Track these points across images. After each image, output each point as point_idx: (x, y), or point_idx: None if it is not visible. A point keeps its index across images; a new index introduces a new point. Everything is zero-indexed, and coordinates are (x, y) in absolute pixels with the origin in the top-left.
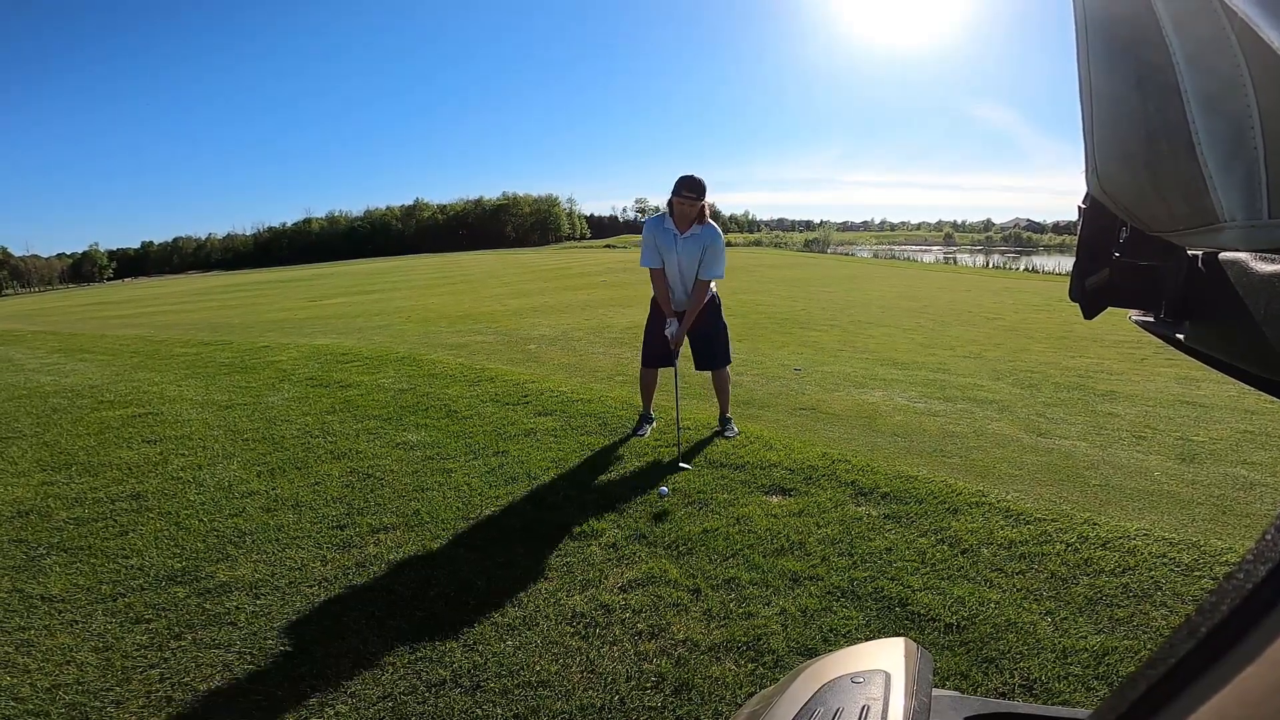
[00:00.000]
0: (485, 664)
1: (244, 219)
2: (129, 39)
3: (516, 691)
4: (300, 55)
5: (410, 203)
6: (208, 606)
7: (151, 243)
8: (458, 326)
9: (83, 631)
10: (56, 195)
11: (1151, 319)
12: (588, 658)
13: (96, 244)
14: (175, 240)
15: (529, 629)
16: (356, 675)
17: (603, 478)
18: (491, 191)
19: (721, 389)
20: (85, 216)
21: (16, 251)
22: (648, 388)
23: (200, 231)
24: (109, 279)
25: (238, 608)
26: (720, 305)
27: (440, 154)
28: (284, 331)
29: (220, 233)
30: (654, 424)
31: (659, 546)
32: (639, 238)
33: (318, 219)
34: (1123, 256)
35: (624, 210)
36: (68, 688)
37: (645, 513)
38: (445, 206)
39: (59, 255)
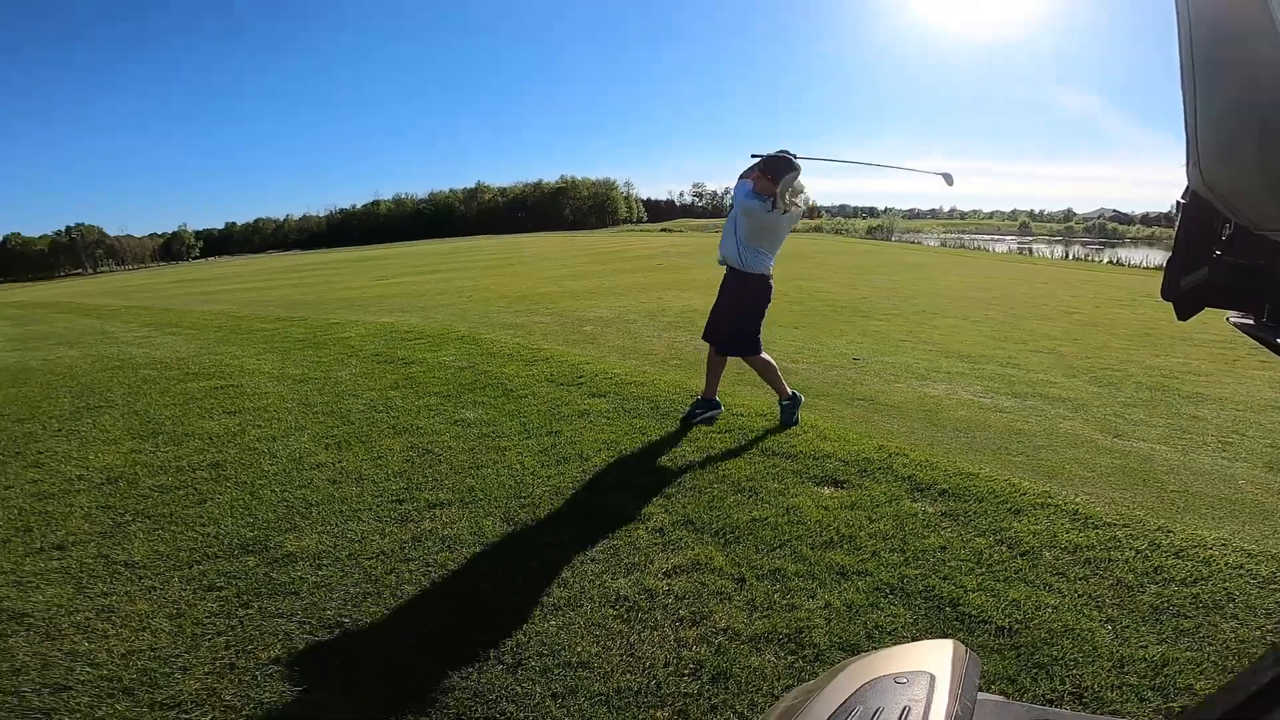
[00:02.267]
0: (528, 642)
1: (318, 202)
2: (221, 32)
3: (556, 671)
4: (358, 45)
5: (472, 186)
6: (274, 576)
7: (235, 223)
8: (516, 307)
9: (159, 598)
10: (149, 178)
11: (1252, 321)
12: (628, 641)
13: (185, 225)
14: (256, 221)
15: (572, 610)
16: (404, 648)
17: (653, 462)
18: (550, 175)
19: (762, 374)
20: (175, 198)
21: (112, 231)
22: (712, 367)
23: (279, 213)
24: (196, 257)
25: (301, 578)
26: (745, 284)
27: (500, 137)
28: (353, 309)
29: (297, 214)
30: (720, 409)
31: (706, 533)
32: (696, 222)
33: (385, 201)
34: (1225, 255)
35: (681, 195)
36: (141, 654)
37: (694, 499)
38: (505, 189)
39: (151, 235)
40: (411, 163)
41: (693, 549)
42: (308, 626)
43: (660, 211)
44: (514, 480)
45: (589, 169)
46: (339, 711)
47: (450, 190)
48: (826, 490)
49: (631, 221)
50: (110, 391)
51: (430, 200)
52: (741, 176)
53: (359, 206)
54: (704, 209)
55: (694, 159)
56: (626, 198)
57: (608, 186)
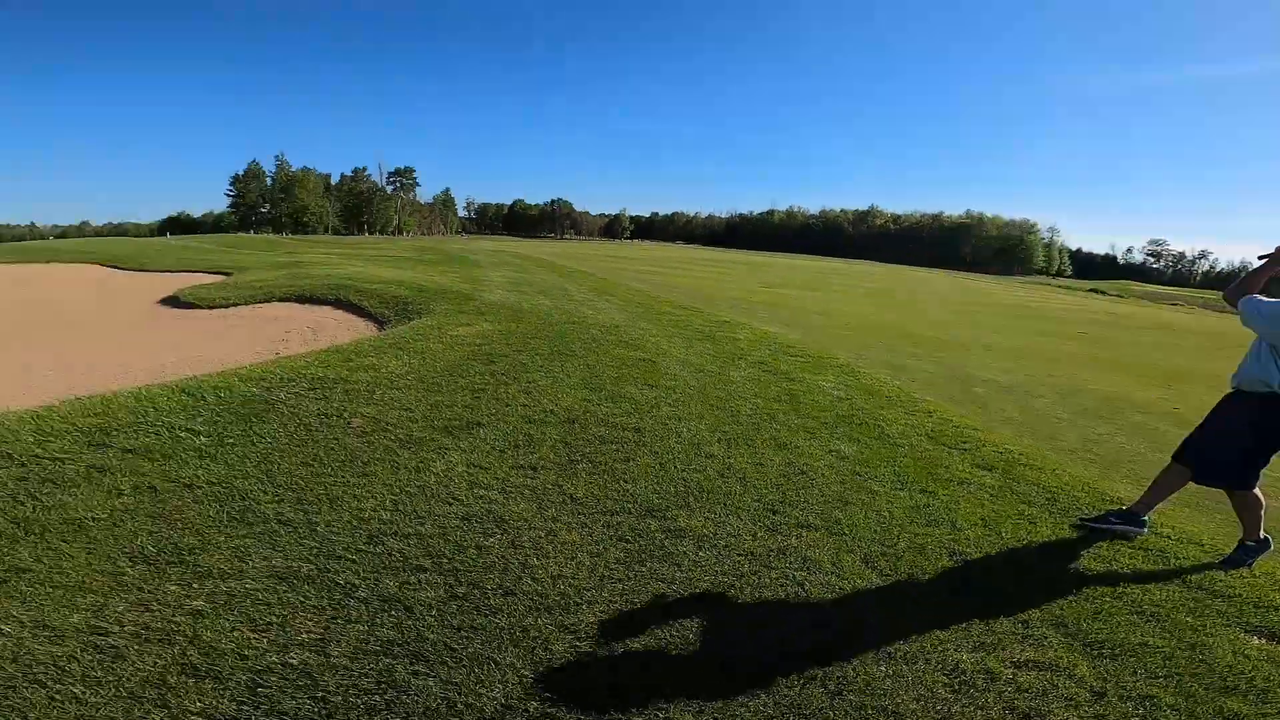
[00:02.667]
0: (853, 679)
1: (722, 204)
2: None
3: (870, 712)
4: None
5: (864, 208)
6: (666, 544)
7: (657, 213)
8: (898, 347)
9: (587, 535)
10: (603, 167)
11: None
12: (949, 710)
13: (625, 209)
14: (673, 214)
15: (905, 663)
16: (740, 645)
17: (1037, 554)
18: (953, 207)
19: (1239, 507)
20: (616, 188)
21: (577, 207)
22: (1164, 486)
23: (690, 209)
24: (626, 238)
25: (684, 553)
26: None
27: (901, 161)
28: (740, 310)
29: (704, 213)
30: (1145, 530)
31: (1076, 640)
32: (1144, 287)
33: (779, 212)
34: None
35: (1129, 251)
36: (565, 579)
37: (1075, 604)
38: (899, 217)
39: (601, 214)
40: (807, 176)
41: (1055, 650)
42: (680, 597)
43: (1093, 266)
44: (880, 526)
45: (1002, 205)
46: (669, 683)
47: (841, 210)
48: (1256, 640)
49: (1049, 273)
50: (571, 343)
51: (820, 217)
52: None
53: (755, 213)
54: (1160, 273)
55: (1152, 204)
56: (1047, 245)
57: (1023, 229)
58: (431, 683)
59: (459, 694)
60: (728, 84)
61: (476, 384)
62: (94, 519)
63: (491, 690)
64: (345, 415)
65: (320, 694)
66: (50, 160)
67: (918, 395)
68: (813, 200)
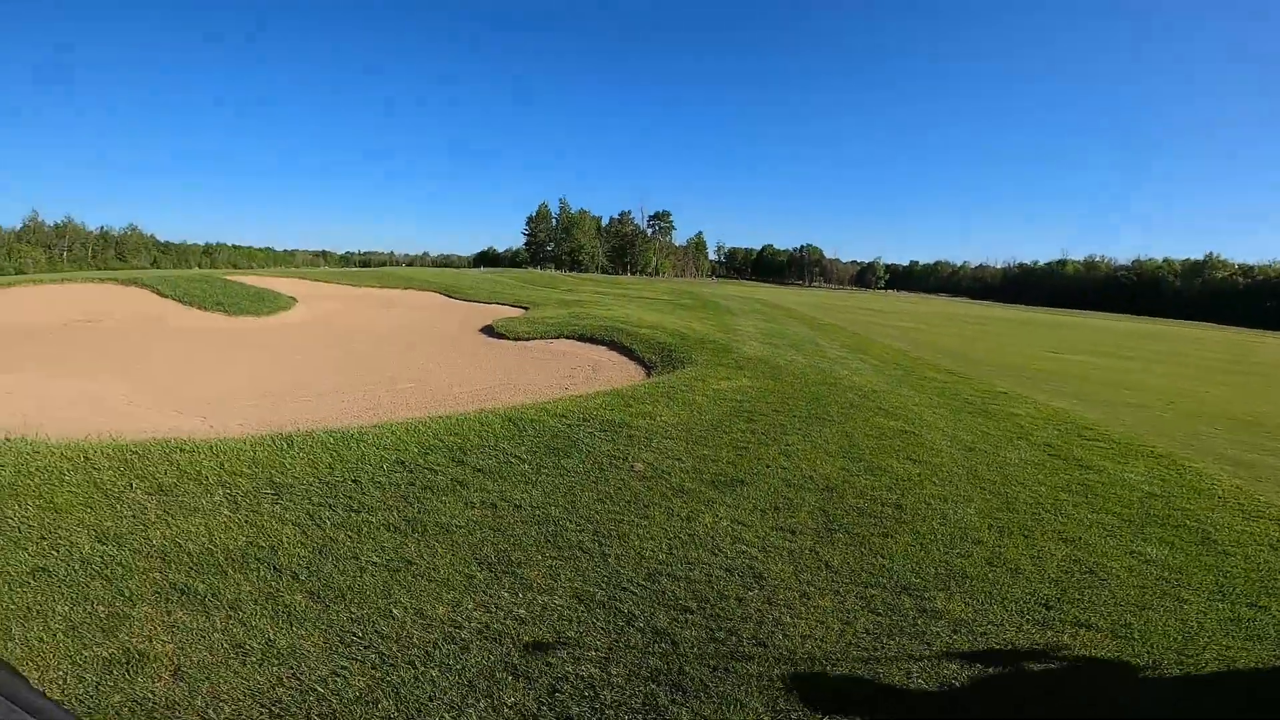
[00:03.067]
0: None
1: (998, 252)
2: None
3: None
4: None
5: (1199, 257)
6: (919, 623)
7: (917, 262)
8: (1242, 435)
9: (838, 603)
10: (861, 210)
11: None
12: None
13: (880, 257)
14: (935, 263)
15: None
16: None
17: None
18: None
19: None
20: (870, 234)
21: (828, 254)
22: None
23: (957, 258)
24: (880, 287)
25: (936, 634)
26: None
27: (1250, 189)
28: (1020, 380)
29: (974, 262)
30: None
31: None
32: None
33: (1073, 261)
34: None
35: None
36: (814, 640)
37: None
38: (1251, 268)
39: (852, 261)
40: (1108, 222)
41: None
42: (926, 675)
43: None
44: (1183, 636)
45: None
46: None
47: (1165, 260)
48: None
49: None
50: (828, 407)
51: (1133, 268)
52: None
53: (1040, 264)
54: None
55: None
56: None
57: None
58: (684, 712)
59: None
60: (1001, 100)
61: (739, 441)
62: (456, 525)
63: None
64: (629, 459)
65: (598, 705)
66: (398, 202)
67: (1267, 497)
68: (1121, 247)
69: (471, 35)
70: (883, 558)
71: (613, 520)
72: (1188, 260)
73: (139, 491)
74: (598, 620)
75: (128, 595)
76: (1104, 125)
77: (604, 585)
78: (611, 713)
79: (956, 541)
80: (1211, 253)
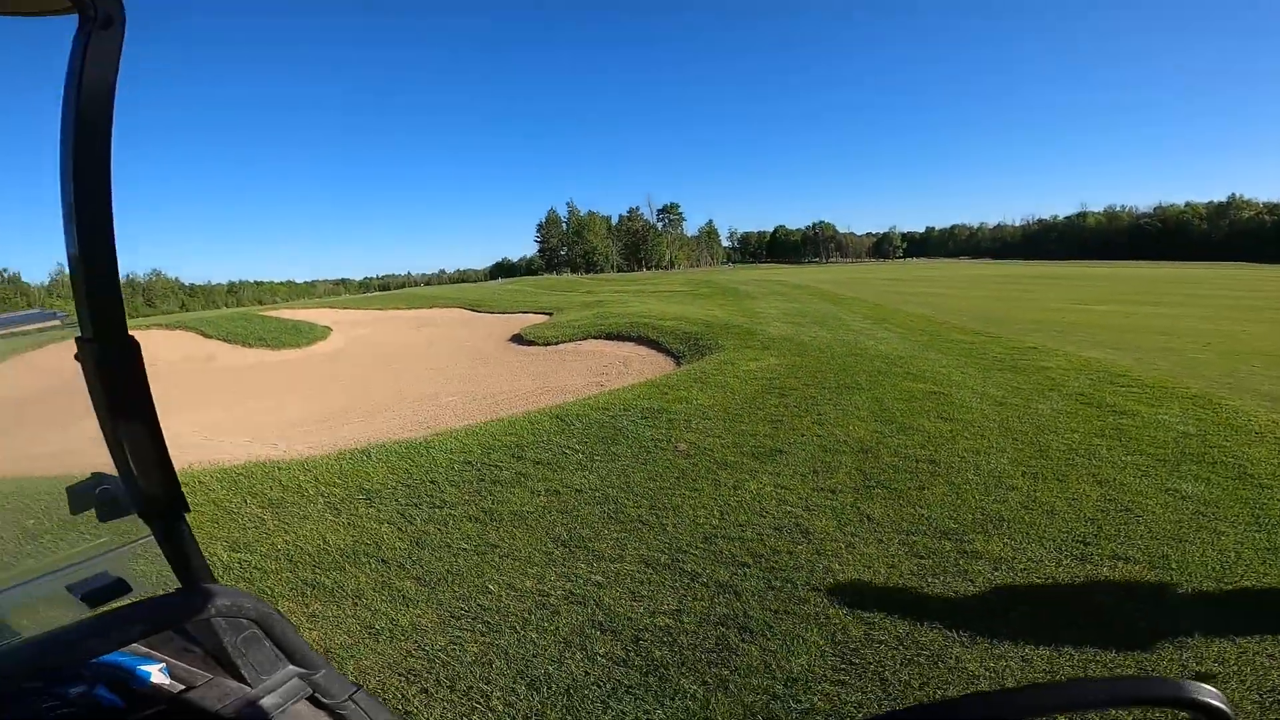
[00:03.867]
0: None
1: (1014, 210)
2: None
3: None
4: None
5: (1222, 199)
6: (960, 563)
7: (933, 228)
8: None
9: (882, 550)
10: (871, 181)
11: None
12: None
13: (895, 226)
14: (952, 227)
15: None
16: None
17: None
18: None
19: None
20: (887, 202)
21: (840, 229)
22: None
23: (973, 220)
24: (898, 257)
25: (978, 571)
26: None
27: (1269, 133)
28: (1048, 334)
29: (991, 222)
30: None
31: None
32: None
33: (1094, 213)
34: None
35: None
36: (863, 583)
37: None
38: (1277, 205)
39: (867, 234)
40: (1129, 168)
41: None
42: (971, 607)
43: None
44: (1220, 565)
45: None
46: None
47: (1186, 204)
48: None
49: None
50: (856, 376)
51: (1155, 214)
52: None
53: (1060, 218)
54: None
55: None
56: None
57: None
58: (754, 648)
59: (774, 658)
60: (1005, 54)
61: (773, 415)
62: (527, 511)
63: (798, 658)
64: (672, 441)
65: (677, 648)
66: (411, 221)
67: None
68: (1142, 194)
69: (466, 51)
70: (921, 508)
71: (665, 495)
72: (1211, 203)
73: (254, 506)
74: (665, 580)
75: (269, 593)
76: (1113, 73)
77: (666, 550)
78: (690, 653)
79: (991, 489)
80: (1235, 194)
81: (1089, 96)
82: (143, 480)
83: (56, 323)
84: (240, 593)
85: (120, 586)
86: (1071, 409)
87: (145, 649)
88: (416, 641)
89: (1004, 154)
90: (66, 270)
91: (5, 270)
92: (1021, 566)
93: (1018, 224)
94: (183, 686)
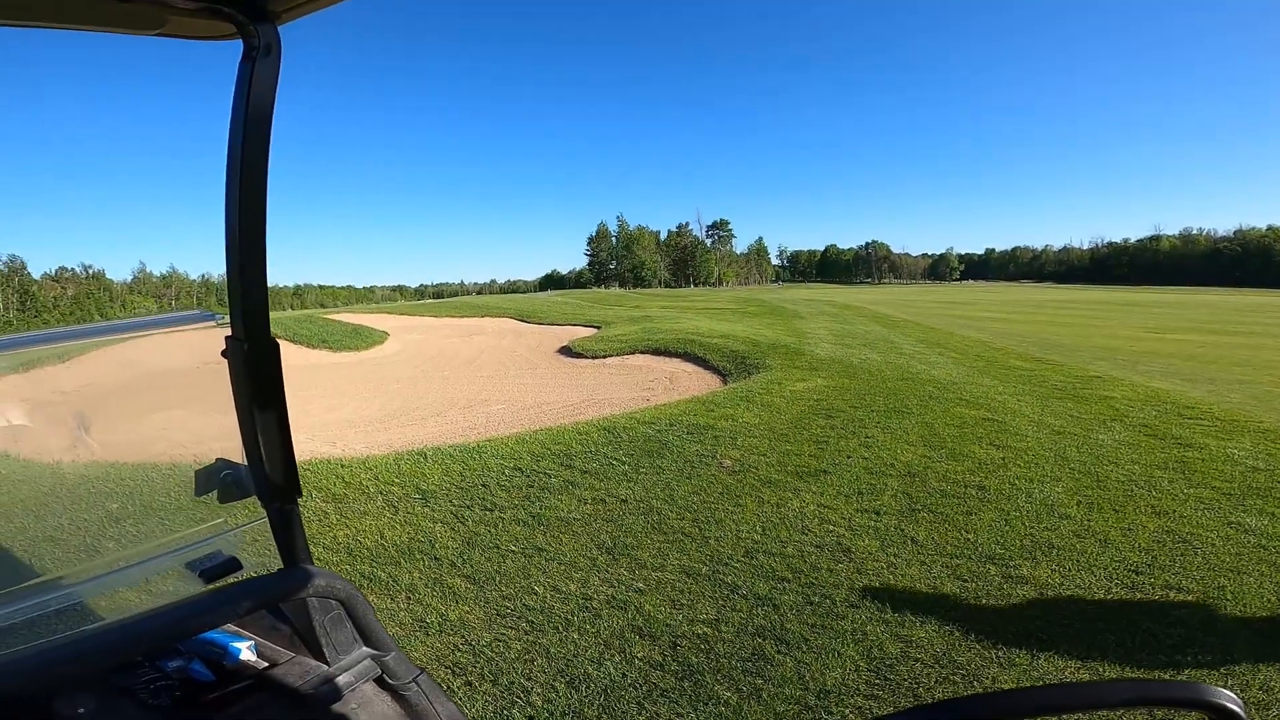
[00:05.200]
0: None
1: (1082, 231)
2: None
3: None
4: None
5: None
6: (1004, 587)
7: (993, 250)
8: None
9: (924, 571)
10: (925, 201)
11: None
12: None
13: (951, 248)
14: (1014, 249)
15: None
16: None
17: None
18: None
19: None
20: (944, 222)
21: (895, 249)
22: None
23: (1037, 242)
24: (955, 279)
25: (1021, 595)
26: None
27: None
28: (1116, 363)
29: (1056, 244)
30: None
31: None
32: None
33: (1169, 236)
34: None
35: None
36: (903, 602)
37: None
38: None
39: (923, 255)
40: (1212, 188)
41: None
42: (1009, 638)
43: None
44: (1278, 596)
45: None
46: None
47: (1269, 227)
48: None
49: None
50: (906, 400)
51: (1236, 238)
52: None
53: (1131, 241)
54: None
55: None
56: None
57: None
58: (789, 659)
59: (808, 670)
60: (1072, 71)
61: (819, 436)
62: (574, 518)
63: (832, 671)
64: (717, 456)
65: (713, 656)
66: (466, 231)
67: None
68: (1221, 216)
69: (526, 66)
70: (967, 533)
71: (708, 509)
72: None
73: (319, 500)
74: (705, 590)
75: None
76: (1187, 87)
77: (708, 562)
78: (725, 661)
79: (1043, 517)
80: None
81: (1162, 110)
82: (269, 466)
83: (213, 323)
84: (333, 575)
85: (233, 564)
86: (1134, 440)
87: (236, 627)
88: (464, 636)
89: (1070, 172)
90: (147, 268)
91: (90, 267)
92: (1068, 593)
93: (1085, 247)
94: (267, 664)
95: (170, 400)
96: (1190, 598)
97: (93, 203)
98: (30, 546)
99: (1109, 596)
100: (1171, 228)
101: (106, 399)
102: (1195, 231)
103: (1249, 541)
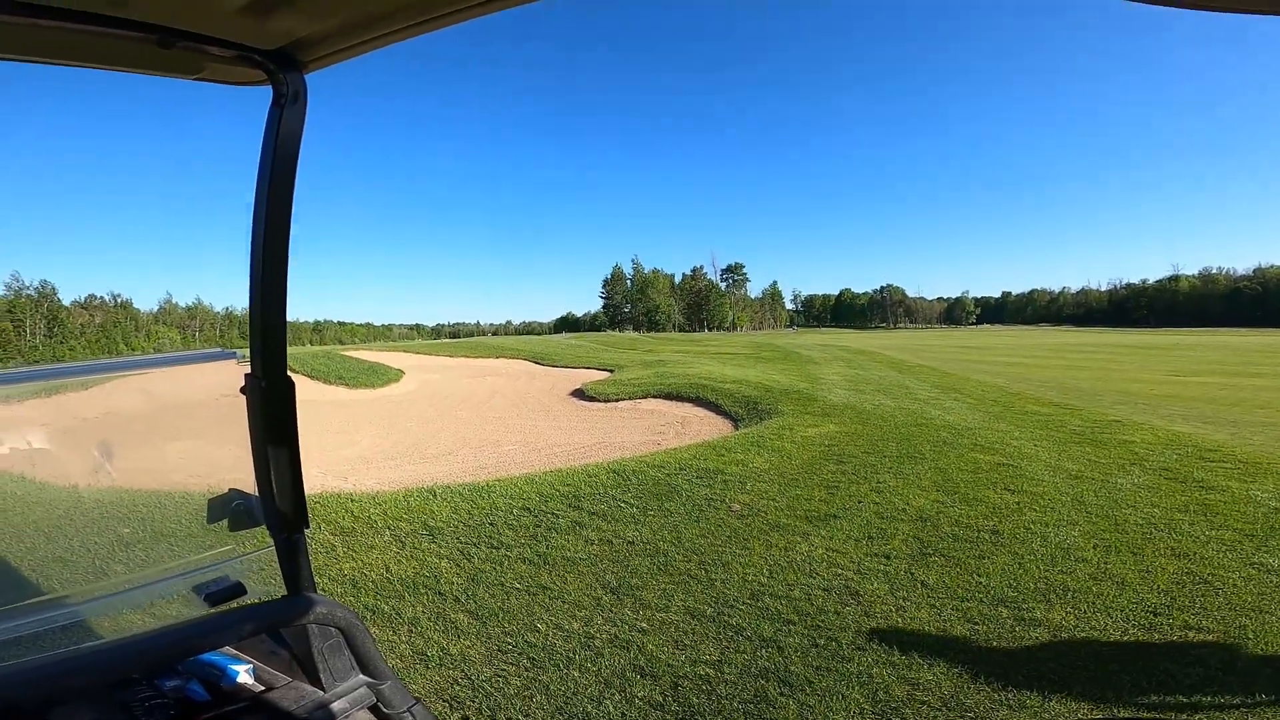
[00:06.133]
0: None
1: (1099, 272)
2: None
3: None
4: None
5: None
6: (1016, 630)
7: (1010, 293)
8: None
9: (934, 614)
10: (943, 244)
11: None
12: None
13: (967, 291)
14: (1030, 292)
15: None
16: None
17: None
18: None
19: None
20: (959, 265)
21: (910, 293)
22: None
23: (1054, 284)
24: (971, 324)
25: (1035, 638)
26: None
27: None
28: (1136, 406)
29: (1074, 286)
30: None
31: None
32: None
33: (1188, 276)
34: None
35: None
36: (911, 645)
37: None
38: None
39: (938, 298)
40: (1228, 227)
41: None
42: (1020, 680)
43: None
44: None
45: None
46: None
47: None
48: None
49: None
50: (919, 446)
51: (1256, 277)
52: None
53: (1150, 282)
54: None
55: None
56: None
57: None
58: (792, 701)
59: (811, 713)
60: (1088, 108)
61: (829, 481)
62: (579, 558)
63: (836, 714)
64: (726, 500)
65: (715, 697)
66: (482, 272)
67: None
68: (1239, 255)
69: (543, 106)
70: (979, 576)
71: (715, 551)
72: None
73: (327, 532)
74: (709, 631)
75: None
76: (1204, 124)
77: (713, 604)
78: (727, 702)
79: (1058, 560)
80: None
81: (1179, 146)
82: (279, 497)
83: (234, 360)
84: (335, 603)
85: (238, 589)
86: (1154, 483)
87: (235, 651)
88: (464, 670)
89: (1087, 212)
90: (173, 299)
91: (119, 296)
92: (1083, 634)
93: (1103, 289)
94: (263, 687)
95: (189, 431)
96: (1210, 637)
97: (128, 235)
98: (42, 565)
99: (1125, 638)
100: (1190, 267)
101: (130, 427)
102: (1215, 271)
103: (1272, 581)
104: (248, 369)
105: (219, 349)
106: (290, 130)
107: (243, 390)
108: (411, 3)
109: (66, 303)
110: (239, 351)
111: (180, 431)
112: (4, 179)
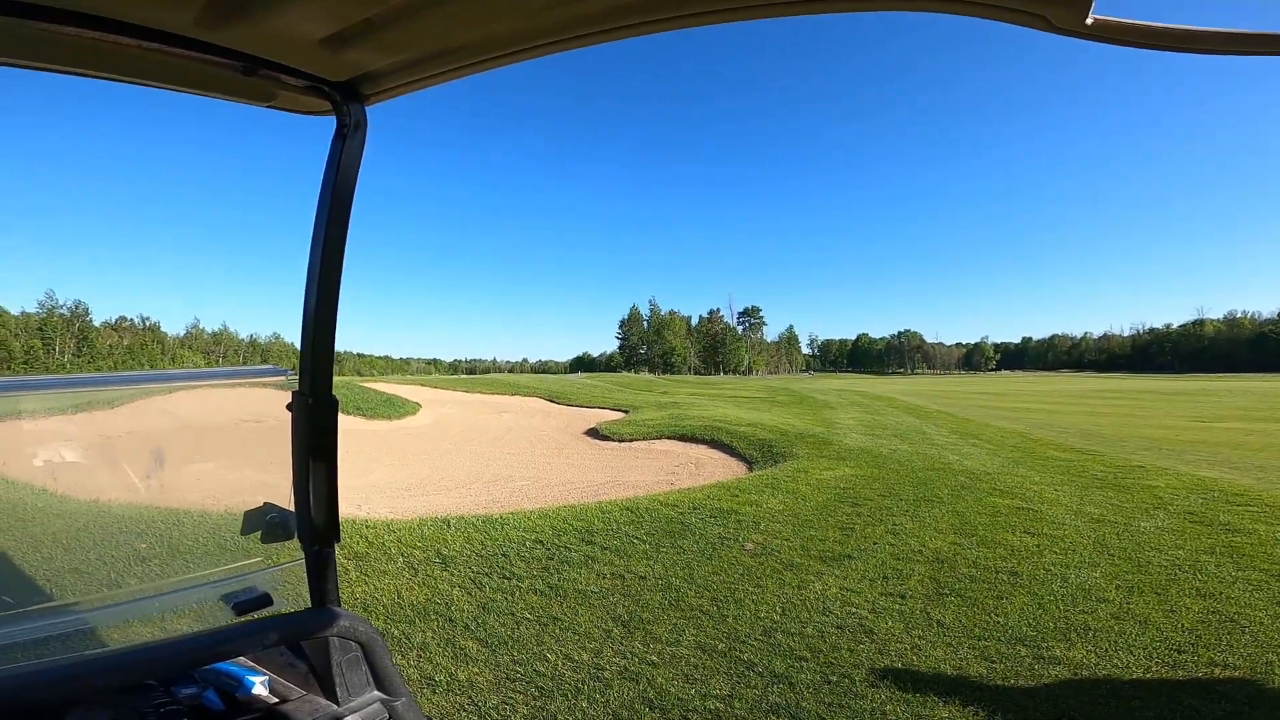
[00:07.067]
0: None
1: (1122, 317)
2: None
3: None
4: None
5: None
6: (1035, 668)
7: (1030, 338)
8: None
9: (951, 653)
10: (963, 290)
11: None
12: None
13: (986, 336)
14: (1052, 337)
15: None
16: None
17: None
18: None
19: None
20: (979, 310)
21: (929, 338)
22: None
23: (1076, 330)
24: (991, 369)
25: (1054, 675)
26: None
27: None
28: (1160, 453)
29: (1096, 332)
30: None
31: None
32: None
33: (1213, 320)
34: None
35: None
36: (927, 682)
37: None
38: None
39: (957, 344)
40: (1250, 270)
41: None
42: (1044, 711)
43: None
44: None
45: None
46: None
47: None
48: None
49: None
50: (936, 490)
51: None
52: None
53: (1174, 326)
54: None
55: None
56: None
57: None
58: None
59: None
60: (1108, 151)
61: (844, 523)
62: (591, 591)
63: None
64: (739, 540)
65: None
66: (501, 310)
67: None
68: (1267, 298)
69: (567, 158)
70: (997, 616)
71: (728, 589)
72: None
73: (341, 556)
74: (720, 666)
75: None
76: (1224, 169)
77: (724, 639)
78: None
79: (1079, 600)
80: None
81: (1201, 187)
82: (314, 511)
83: (283, 378)
84: (358, 617)
85: (264, 600)
86: (1178, 527)
87: (253, 662)
88: (470, 697)
89: (1109, 255)
90: (200, 324)
91: (148, 319)
92: (1104, 672)
93: (1126, 334)
94: (278, 699)
95: (230, 445)
96: (1236, 673)
97: (157, 261)
98: (80, 567)
99: (1148, 675)
100: (1215, 310)
101: (180, 437)
102: (1240, 314)
103: None
104: (295, 387)
105: (270, 366)
106: (350, 160)
107: (289, 407)
108: (475, 42)
109: (97, 323)
110: (288, 370)
111: (224, 444)
112: (48, 197)
